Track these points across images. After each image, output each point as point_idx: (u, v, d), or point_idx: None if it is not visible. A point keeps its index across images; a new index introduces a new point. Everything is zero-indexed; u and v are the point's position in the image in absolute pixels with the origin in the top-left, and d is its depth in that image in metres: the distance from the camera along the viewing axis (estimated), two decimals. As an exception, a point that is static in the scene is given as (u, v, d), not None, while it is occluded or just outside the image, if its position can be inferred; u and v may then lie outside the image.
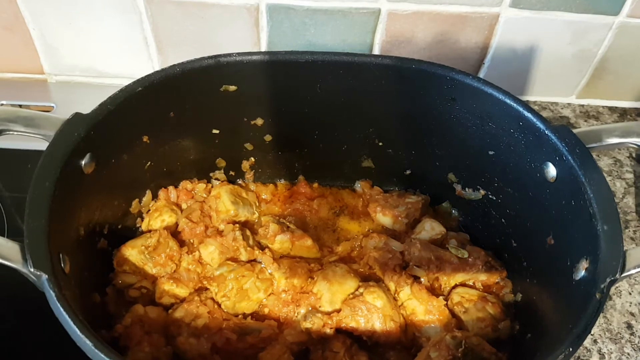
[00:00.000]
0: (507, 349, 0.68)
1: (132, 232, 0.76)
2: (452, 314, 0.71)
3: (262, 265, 0.74)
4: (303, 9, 0.86)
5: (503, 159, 0.71)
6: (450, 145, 0.77)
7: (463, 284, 0.74)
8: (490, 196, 0.77)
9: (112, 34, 0.91)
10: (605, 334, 0.75)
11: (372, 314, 0.68)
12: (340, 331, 0.69)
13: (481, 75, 0.96)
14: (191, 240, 0.75)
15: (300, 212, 0.83)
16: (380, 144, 0.81)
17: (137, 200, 0.76)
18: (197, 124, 0.75)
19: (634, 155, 0.97)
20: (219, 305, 0.70)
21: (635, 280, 0.81)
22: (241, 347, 0.67)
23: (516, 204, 0.73)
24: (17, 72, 0.98)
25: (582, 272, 0.57)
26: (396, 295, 0.72)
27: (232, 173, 0.84)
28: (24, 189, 0.55)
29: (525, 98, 1.02)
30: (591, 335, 0.75)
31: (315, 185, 0.85)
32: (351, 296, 0.70)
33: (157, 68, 0.95)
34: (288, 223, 0.79)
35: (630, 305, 0.78)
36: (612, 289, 0.76)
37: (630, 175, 0.94)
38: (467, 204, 0.80)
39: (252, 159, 0.83)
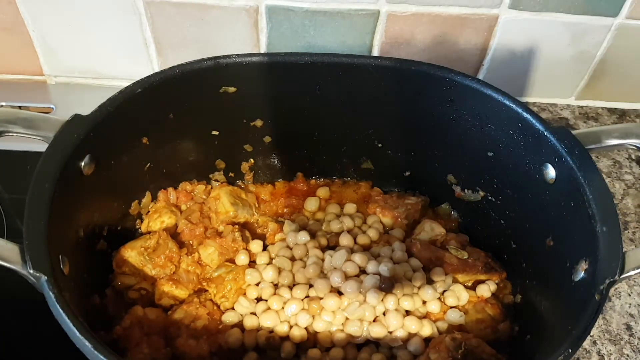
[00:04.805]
0: (506, 350, 0.68)
1: (132, 234, 0.76)
2: (452, 315, 0.71)
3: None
4: (302, 11, 0.86)
5: (502, 160, 0.71)
6: (450, 146, 0.77)
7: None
8: (490, 197, 0.77)
9: (111, 36, 0.91)
10: (604, 335, 0.75)
11: (372, 315, 0.68)
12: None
13: (480, 76, 0.96)
14: (190, 242, 0.76)
15: (296, 208, 0.83)
16: (380, 145, 0.81)
17: (136, 201, 0.76)
18: (197, 125, 0.75)
19: (633, 156, 0.97)
20: (218, 307, 0.70)
21: (635, 281, 0.81)
22: (240, 349, 0.67)
23: (515, 205, 0.73)
24: (17, 73, 0.98)
25: (581, 274, 0.57)
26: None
27: (231, 174, 0.84)
28: (24, 190, 0.55)
29: (524, 99, 1.02)
30: (590, 336, 0.75)
31: (313, 181, 0.86)
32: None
33: (157, 69, 0.95)
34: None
35: (629, 307, 0.78)
36: (612, 291, 0.76)
37: (629, 177, 0.94)
38: (467, 205, 0.80)
39: (252, 160, 0.83)
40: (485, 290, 0.72)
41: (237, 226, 0.77)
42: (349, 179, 0.87)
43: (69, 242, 0.60)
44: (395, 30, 0.89)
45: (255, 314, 0.69)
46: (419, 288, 0.70)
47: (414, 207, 0.81)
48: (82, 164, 0.62)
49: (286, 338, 0.68)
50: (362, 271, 0.71)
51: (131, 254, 0.70)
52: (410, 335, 0.67)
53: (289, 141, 0.81)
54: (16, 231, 0.76)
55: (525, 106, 0.66)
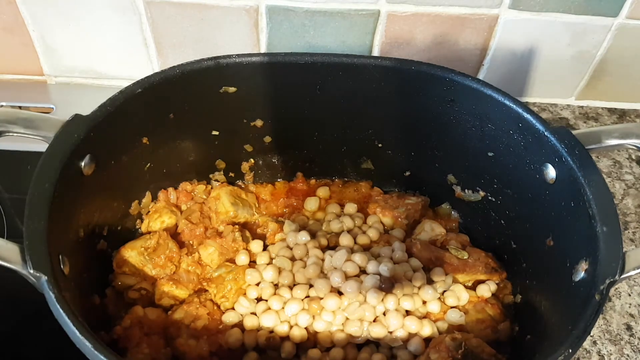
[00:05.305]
0: (506, 350, 0.68)
1: (132, 234, 0.76)
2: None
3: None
4: (302, 11, 0.86)
5: (502, 160, 0.71)
6: (450, 146, 0.77)
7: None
8: (490, 197, 0.77)
9: (111, 36, 0.91)
10: (604, 335, 0.75)
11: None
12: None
13: (480, 76, 0.96)
14: (191, 242, 0.76)
15: (296, 208, 0.83)
16: (380, 145, 0.81)
17: (136, 201, 0.76)
18: (197, 125, 0.75)
19: (633, 156, 0.97)
20: (218, 307, 0.70)
21: (635, 281, 0.81)
22: (240, 349, 0.67)
23: (515, 205, 0.73)
24: (17, 73, 0.98)
25: (582, 274, 0.57)
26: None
27: (231, 174, 0.84)
28: (24, 190, 0.55)
29: (524, 99, 1.02)
30: (590, 336, 0.75)
31: (313, 181, 0.86)
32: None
33: (157, 69, 0.95)
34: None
35: (629, 307, 0.78)
36: (612, 291, 0.76)
37: (629, 177, 0.94)
38: (467, 206, 0.81)
39: (252, 160, 0.83)
40: (485, 290, 0.72)
41: (237, 226, 0.77)
42: (349, 179, 0.87)
43: (69, 242, 0.60)
44: (395, 30, 0.89)
45: (256, 314, 0.69)
46: (419, 288, 0.70)
47: (414, 207, 0.81)
48: (82, 164, 0.62)
49: (286, 338, 0.68)
50: (362, 271, 0.71)
51: (131, 254, 0.70)
52: (410, 335, 0.67)
53: (289, 141, 0.81)
54: (16, 231, 0.77)
55: (526, 106, 0.66)
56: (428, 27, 0.88)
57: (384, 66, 0.71)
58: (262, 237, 0.79)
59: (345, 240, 0.75)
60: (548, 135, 0.64)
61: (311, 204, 0.82)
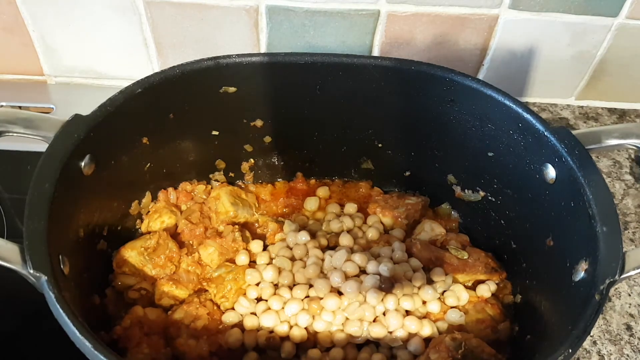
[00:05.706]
0: (506, 350, 0.68)
1: (132, 234, 0.76)
2: (452, 315, 0.71)
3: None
4: (302, 11, 0.86)
5: (502, 160, 0.72)
6: (450, 146, 0.77)
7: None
8: (490, 197, 0.77)
9: (111, 36, 0.91)
10: (604, 335, 0.75)
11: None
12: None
13: (480, 76, 0.96)
14: (191, 242, 0.76)
15: (296, 208, 0.83)
16: (380, 145, 0.81)
17: (136, 201, 0.76)
18: (197, 125, 0.75)
19: (633, 156, 0.97)
20: (218, 307, 0.70)
21: (635, 281, 0.81)
22: (240, 349, 0.67)
23: (515, 205, 0.73)
24: (17, 73, 0.98)
25: (582, 274, 0.57)
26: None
27: (231, 174, 0.84)
28: (24, 190, 0.55)
29: (524, 99, 1.02)
30: (590, 336, 0.75)
31: (313, 181, 0.86)
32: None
33: (157, 69, 0.95)
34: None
35: (629, 307, 0.78)
36: (612, 291, 0.76)
37: (629, 177, 0.94)
38: (467, 206, 0.81)
39: (252, 160, 0.83)
40: (485, 290, 0.72)
41: (237, 226, 0.77)
42: (348, 179, 0.87)
43: (69, 242, 0.60)
44: (395, 30, 0.89)
45: (256, 314, 0.69)
46: (419, 288, 0.70)
47: (414, 207, 0.81)
48: (82, 164, 0.62)
49: (286, 338, 0.68)
50: (362, 271, 0.71)
51: (131, 254, 0.70)
52: (410, 335, 0.67)
53: (289, 141, 0.81)
54: (16, 231, 0.77)
55: (526, 106, 0.66)
56: (428, 27, 0.88)
57: (384, 66, 0.71)
58: (262, 237, 0.79)
59: (345, 240, 0.75)
60: (548, 135, 0.64)
61: (311, 204, 0.82)
